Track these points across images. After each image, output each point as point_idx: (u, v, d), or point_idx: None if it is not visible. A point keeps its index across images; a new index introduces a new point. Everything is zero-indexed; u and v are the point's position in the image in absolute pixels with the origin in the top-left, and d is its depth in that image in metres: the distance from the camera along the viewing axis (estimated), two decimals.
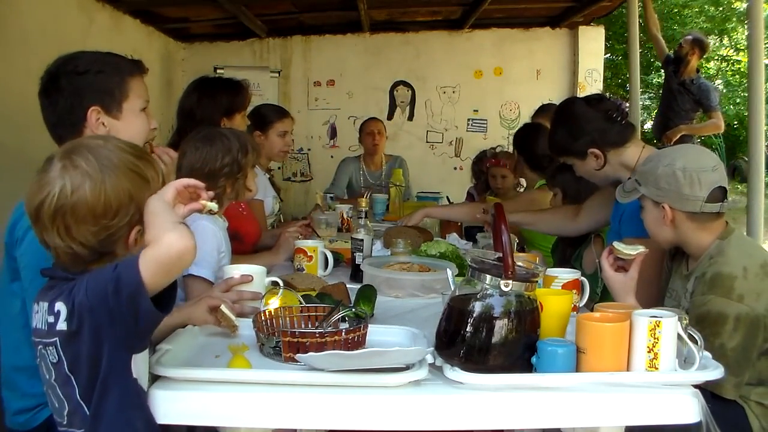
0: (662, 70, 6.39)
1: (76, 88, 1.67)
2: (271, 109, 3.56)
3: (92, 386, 1.21)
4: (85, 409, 1.22)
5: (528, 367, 1.37)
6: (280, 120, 3.46)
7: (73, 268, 1.26)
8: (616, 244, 1.83)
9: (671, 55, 5.86)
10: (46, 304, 1.24)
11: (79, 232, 1.21)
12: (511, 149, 4.64)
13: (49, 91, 1.69)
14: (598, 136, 2.26)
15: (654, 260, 2.02)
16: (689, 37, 5.81)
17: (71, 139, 1.65)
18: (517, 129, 4.22)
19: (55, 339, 1.22)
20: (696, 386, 1.38)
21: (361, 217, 2.55)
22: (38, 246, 1.27)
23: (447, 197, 4.60)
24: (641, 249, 1.80)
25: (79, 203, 1.21)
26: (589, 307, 1.85)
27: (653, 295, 2.07)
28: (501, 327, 1.36)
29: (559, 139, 2.36)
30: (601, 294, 2.63)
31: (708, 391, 1.59)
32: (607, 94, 2.48)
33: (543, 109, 4.35)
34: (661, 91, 6.90)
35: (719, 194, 1.83)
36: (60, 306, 1.21)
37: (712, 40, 14.77)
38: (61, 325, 1.21)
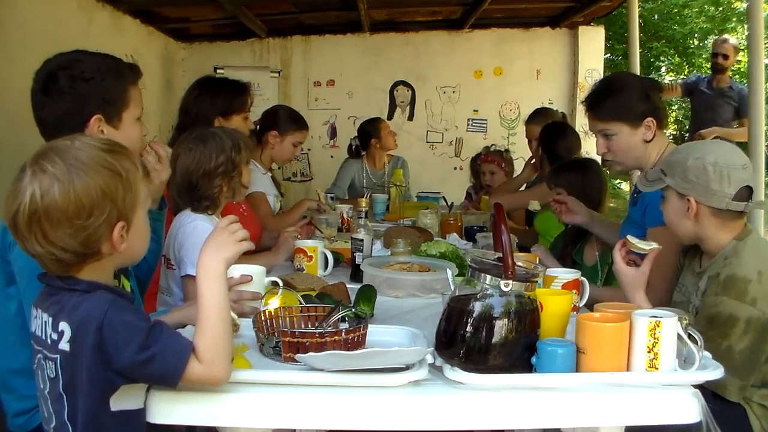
0: (662, 71, 6.36)
1: (80, 93, 1.66)
2: (294, 117, 3.54)
3: (83, 411, 1.21)
4: (71, 430, 1.23)
5: (528, 367, 1.37)
6: (300, 131, 3.48)
7: (61, 273, 1.25)
8: (630, 238, 1.82)
9: (700, 75, 5.71)
10: (50, 318, 1.24)
11: (56, 237, 1.19)
12: (511, 149, 4.66)
13: (49, 90, 1.67)
14: (658, 109, 2.25)
15: (667, 257, 2.01)
16: (730, 42, 5.62)
17: None
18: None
19: (56, 356, 1.22)
20: (699, 386, 1.38)
21: (361, 217, 2.55)
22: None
23: (444, 198, 4.59)
24: (655, 245, 1.80)
25: (51, 207, 1.18)
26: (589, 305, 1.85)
27: (662, 291, 2.07)
28: (501, 327, 1.36)
29: (623, 99, 2.25)
30: (605, 282, 2.63)
31: (710, 391, 1.59)
32: None
33: (537, 114, 4.34)
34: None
35: (746, 193, 1.81)
36: (65, 326, 1.20)
37: (712, 40, 14.77)
38: (64, 346, 1.20)
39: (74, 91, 1.66)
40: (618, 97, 2.27)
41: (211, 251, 1.30)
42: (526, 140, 4.34)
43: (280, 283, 1.86)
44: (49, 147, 1.25)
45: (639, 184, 2.03)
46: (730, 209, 1.80)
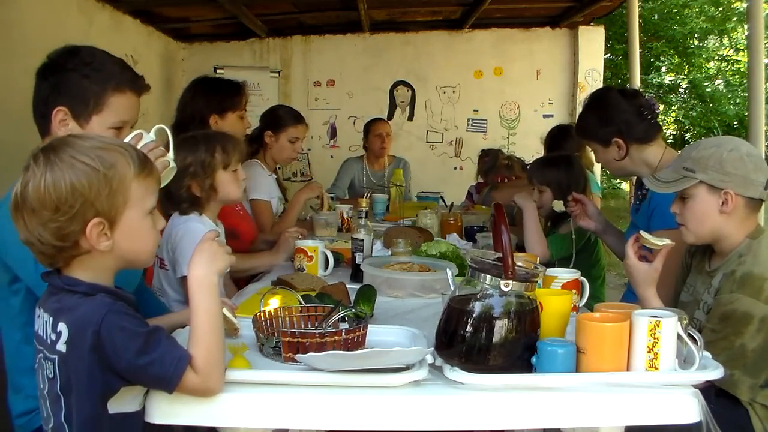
0: (663, 71, 6.39)
1: (56, 82, 1.65)
2: (287, 113, 3.51)
3: (79, 412, 1.21)
4: (67, 431, 1.23)
5: (528, 367, 1.37)
6: (294, 126, 3.43)
7: (49, 266, 1.27)
8: (644, 234, 1.82)
9: None
10: (50, 318, 1.25)
11: (33, 227, 1.22)
12: (511, 149, 4.66)
13: (40, 73, 1.67)
14: (625, 128, 2.34)
15: (676, 255, 2.01)
16: None
17: (43, 128, 1.68)
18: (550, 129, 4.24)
19: (55, 357, 1.23)
20: (708, 385, 1.38)
21: (362, 217, 2.55)
22: (18, 241, 1.27)
23: (442, 197, 4.59)
24: (668, 242, 1.79)
25: (28, 198, 1.21)
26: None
27: (671, 289, 2.07)
28: (501, 327, 1.36)
29: (588, 123, 2.45)
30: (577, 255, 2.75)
31: (712, 391, 1.59)
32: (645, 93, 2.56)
33: (564, 133, 4.17)
34: (660, 92, 6.90)
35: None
36: (63, 327, 1.21)
37: (712, 40, 14.80)
38: (61, 347, 1.21)
39: (53, 78, 1.65)
40: (587, 118, 2.46)
41: (203, 263, 1.30)
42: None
43: (168, 131, 1.78)
44: (50, 141, 1.27)
45: (654, 187, 1.99)
46: (762, 198, 1.83)
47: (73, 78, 1.64)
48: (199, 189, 2.26)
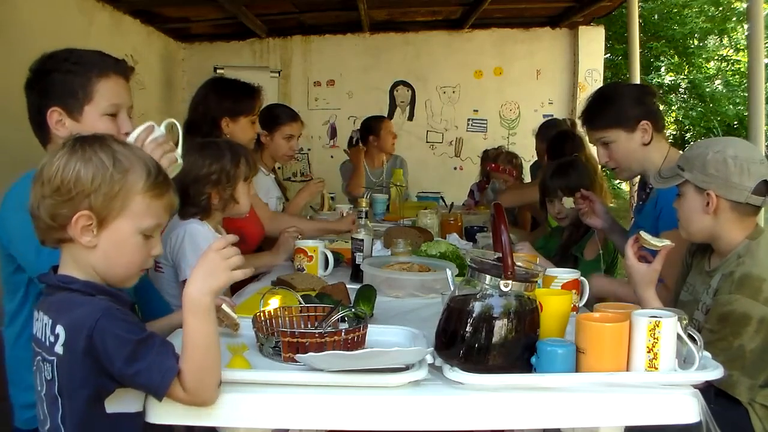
0: (662, 71, 6.38)
1: (42, 87, 1.66)
2: (281, 111, 3.49)
3: (74, 413, 1.22)
4: None
5: (528, 368, 1.37)
6: (287, 123, 3.40)
7: (42, 240, 1.30)
8: (644, 234, 1.81)
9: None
10: (49, 321, 1.25)
11: (36, 197, 1.26)
12: (511, 148, 4.66)
13: (26, 87, 1.69)
14: (653, 113, 2.32)
15: (676, 256, 2.01)
16: None
17: (42, 138, 1.69)
18: (541, 126, 4.23)
19: (53, 359, 1.23)
20: (707, 385, 1.37)
21: (362, 217, 2.55)
22: (22, 228, 1.30)
23: (442, 197, 4.59)
24: (667, 243, 1.79)
25: (44, 170, 1.26)
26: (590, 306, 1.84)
27: (671, 290, 2.07)
28: (501, 327, 1.36)
29: (616, 106, 2.33)
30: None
31: (711, 391, 1.59)
32: None
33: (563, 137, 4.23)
34: (660, 92, 6.91)
35: (764, 188, 1.81)
36: (60, 330, 1.21)
37: (712, 40, 14.81)
38: (59, 349, 1.21)
39: (39, 85, 1.66)
40: (610, 105, 2.36)
41: (198, 280, 1.25)
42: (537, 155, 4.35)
43: (177, 124, 1.77)
44: (92, 133, 1.32)
45: (653, 182, 2.02)
46: (750, 203, 1.80)
47: (57, 77, 1.65)
48: (218, 198, 2.25)
